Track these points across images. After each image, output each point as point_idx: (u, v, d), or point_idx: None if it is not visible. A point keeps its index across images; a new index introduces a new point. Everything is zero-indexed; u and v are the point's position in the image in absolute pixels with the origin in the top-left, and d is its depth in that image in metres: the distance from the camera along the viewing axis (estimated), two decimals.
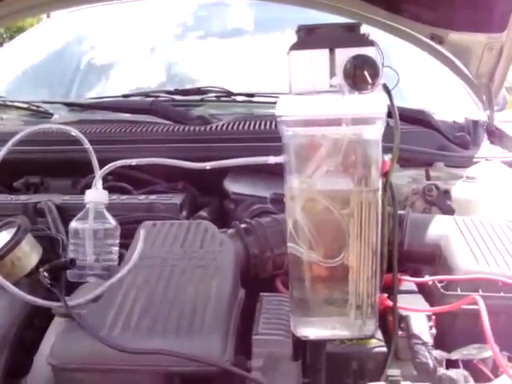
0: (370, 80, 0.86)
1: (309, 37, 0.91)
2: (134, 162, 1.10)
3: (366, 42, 0.88)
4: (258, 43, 2.27)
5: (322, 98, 0.89)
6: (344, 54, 0.87)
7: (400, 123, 1.67)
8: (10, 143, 1.13)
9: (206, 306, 0.99)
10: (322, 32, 0.91)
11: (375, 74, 0.86)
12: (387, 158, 0.93)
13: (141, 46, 2.37)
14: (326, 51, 0.89)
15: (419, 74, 2.16)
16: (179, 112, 1.76)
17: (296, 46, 0.90)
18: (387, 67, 0.89)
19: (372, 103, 0.87)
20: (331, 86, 0.89)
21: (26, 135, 1.17)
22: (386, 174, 0.93)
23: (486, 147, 1.83)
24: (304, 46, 0.90)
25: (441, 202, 1.41)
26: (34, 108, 1.94)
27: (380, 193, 0.92)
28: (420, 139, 1.68)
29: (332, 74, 0.89)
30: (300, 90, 0.90)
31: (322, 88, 0.89)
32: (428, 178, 1.54)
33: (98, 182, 1.15)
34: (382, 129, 0.88)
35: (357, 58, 0.86)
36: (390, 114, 0.91)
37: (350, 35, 0.90)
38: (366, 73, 0.85)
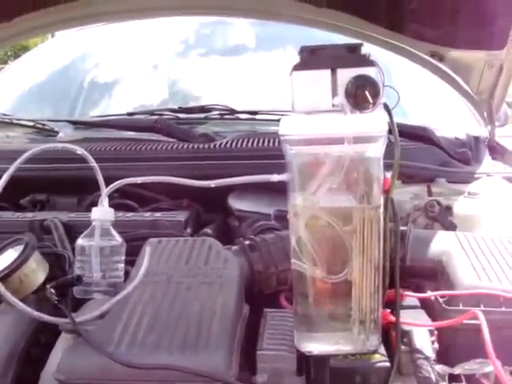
0: (371, 100, 0.87)
1: (311, 57, 0.92)
2: (139, 180, 1.12)
3: (367, 62, 0.90)
4: (260, 61, 2.30)
5: (325, 117, 0.90)
6: (346, 74, 0.89)
7: (402, 140, 1.68)
8: (17, 162, 1.15)
9: (212, 321, 1.00)
10: (324, 53, 0.92)
11: (376, 94, 0.88)
12: (388, 175, 0.94)
13: (144, 64, 2.40)
14: (328, 71, 0.90)
15: (420, 91, 2.18)
16: (183, 130, 1.78)
17: (299, 67, 0.92)
18: (388, 87, 0.91)
19: (373, 122, 0.89)
20: (333, 105, 0.90)
21: (32, 155, 1.18)
22: (387, 191, 0.94)
23: (487, 163, 1.85)
24: (306, 66, 0.91)
25: (443, 218, 1.42)
26: (40, 126, 1.97)
27: (382, 209, 0.93)
28: (422, 155, 1.70)
29: (334, 93, 0.90)
30: (303, 109, 0.92)
31: (324, 107, 0.91)
32: (430, 194, 1.55)
33: (104, 200, 1.16)
34: (383, 147, 0.89)
35: (358, 78, 0.88)
36: (391, 132, 0.93)
37: (351, 56, 0.92)
38: (367, 93, 0.87)
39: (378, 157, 0.90)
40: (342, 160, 0.87)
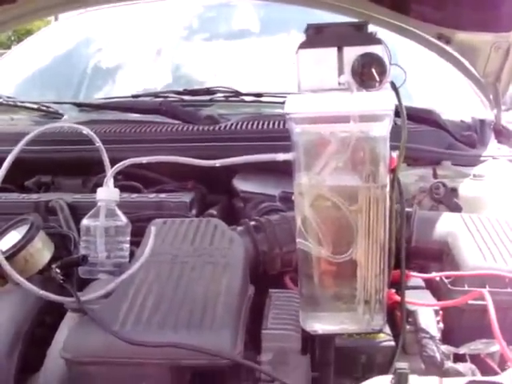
0: (377, 78, 0.87)
1: (317, 36, 0.92)
2: (144, 160, 1.11)
3: (373, 40, 0.90)
4: (264, 44, 2.29)
5: (331, 95, 0.90)
6: (352, 53, 0.89)
7: (407, 122, 1.69)
8: (22, 142, 1.15)
9: (217, 301, 1.00)
10: (330, 31, 0.92)
11: (383, 72, 0.87)
12: (395, 154, 0.94)
13: (148, 47, 2.39)
14: (335, 49, 0.90)
15: (426, 74, 2.16)
16: (188, 112, 1.77)
17: (305, 45, 0.91)
18: (394, 65, 0.90)
19: (379, 100, 0.88)
20: (339, 83, 0.90)
21: (38, 134, 1.18)
22: (393, 171, 0.94)
23: (493, 146, 1.84)
24: (312, 44, 0.91)
25: (448, 200, 1.42)
26: (44, 108, 1.96)
27: (388, 189, 0.93)
28: (427, 138, 1.69)
29: (340, 71, 0.90)
30: (309, 87, 0.91)
31: (330, 86, 0.90)
32: (435, 176, 1.55)
33: (109, 181, 1.16)
34: (389, 126, 0.89)
35: (364, 56, 0.87)
36: (397, 113, 0.93)
37: (357, 34, 0.91)
38: (373, 70, 0.87)
39: (385, 135, 0.90)
40: (348, 139, 0.87)
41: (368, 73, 0.87)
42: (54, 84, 2.39)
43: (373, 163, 0.91)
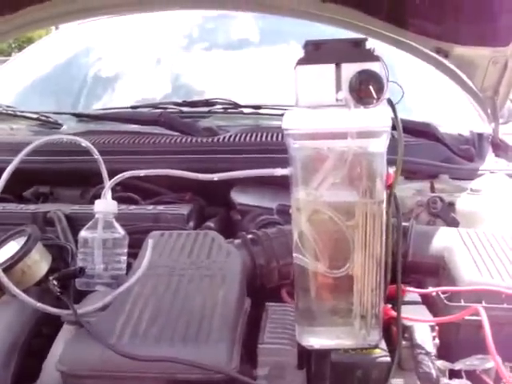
0: (375, 95, 0.87)
1: (315, 52, 0.92)
2: (143, 173, 1.12)
3: (371, 57, 0.90)
4: (263, 55, 2.30)
5: (328, 111, 0.90)
6: (350, 69, 0.89)
7: (405, 136, 1.68)
8: (21, 154, 1.15)
9: (213, 314, 1.00)
10: (329, 47, 0.92)
11: (380, 89, 0.87)
12: (391, 170, 0.94)
13: (148, 57, 2.40)
14: (333, 66, 0.90)
15: (425, 87, 2.17)
16: (187, 123, 1.78)
17: (303, 61, 0.91)
18: (392, 82, 0.91)
19: (377, 117, 0.89)
20: (337, 100, 0.90)
21: (37, 146, 1.19)
22: (390, 186, 0.94)
23: (490, 160, 1.85)
24: (311, 60, 0.91)
25: (445, 214, 1.43)
26: (44, 118, 1.96)
27: (384, 204, 0.93)
28: (425, 151, 1.70)
29: (338, 88, 0.90)
30: (307, 103, 0.91)
31: (328, 102, 0.91)
32: (433, 190, 1.55)
33: (107, 193, 1.17)
34: (386, 142, 0.89)
35: (362, 72, 0.88)
36: (394, 127, 0.93)
37: (355, 50, 0.91)
38: (371, 87, 0.87)
39: (382, 152, 0.90)
40: (346, 155, 0.87)
41: (365, 90, 0.87)
42: (54, 93, 2.40)
43: (370, 179, 0.91)
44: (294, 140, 0.90)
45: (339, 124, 0.87)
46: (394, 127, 0.91)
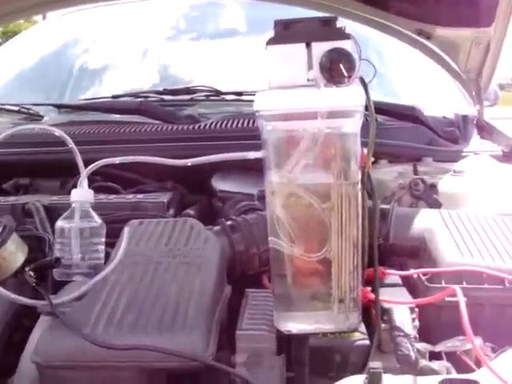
0: (346, 73, 0.86)
1: (286, 31, 0.91)
2: (117, 160, 1.10)
3: (342, 35, 0.89)
4: (247, 43, 2.28)
5: (300, 91, 0.89)
6: (320, 48, 0.88)
7: (389, 119, 1.69)
8: None
9: (189, 302, 0.99)
10: (299, 26, 0.91)
11: (351, 68, 0.86)
12: (366, 150, 0.93)
13: (133, 47, 2.38)
14: (303, 45, 0.89)
15: (409, 70, 2.16)
16: (168, 112, 1.76)
17: (273, 41, 0.90)
18: (364, 60, 0.89)
19: (349, 96, 0.87)
20: (308, 79, 0.89)
21: (7, 137, 1.16)
22: (363, 167, 0.93)
23: (475, 142, 1.84)
24: (281, 40, 0.90)
25: (427, 197, 1.41)
26: (25, 111, 1.95)
27: (360, 186, 0.92)
28: (409, 134, 1.69)
29: (309, 67, 0.89)
30: (278, 84, 0.90)
31: (299, 82, 0.89)
32: (416, 172, 1.54)
33: (83, 181, 1.15)
34: (360, 122, 0.88)
35: (332, 51, 0.86)
36: (377, 110, 0.92)
37: (326, 29, 0.90)
38: (341, 66, 0.86)
39: (355, 132, 0.89)
40: (317, 135, 0.86)
41: (336, 68, 0.86)
42: (38, 85, 2.37)
43: (344, 160, 0.90)
44: (265, 122, 0.89)
45: (310, 104, 0.85)
46: (376, 111, 0.90)
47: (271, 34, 0.92)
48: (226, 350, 1.01)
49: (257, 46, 2.11)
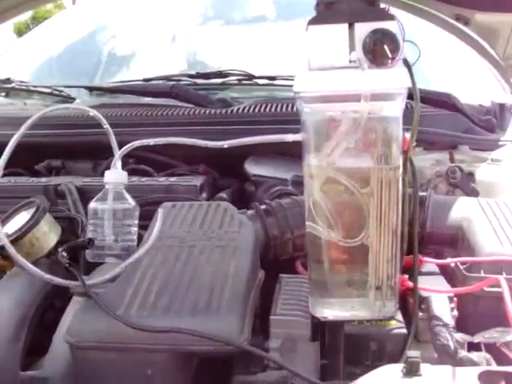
0: (390, 55, 0.84)
1: (328, 11, 0.89)
2: (152, 141, 1.09)
3: (386, 16, 0.86)
4: (279, 28, 2.25)
5: (341, 73, 0.87)
6: (363, 29, 0.86)
7: (425, 106, 1.65)
8: (25, 125, 1.12)
9: (224, 286, 0.98)
10: (341, 6, 0.89)
11: (395, 49, 0.84)
12: (407, 135, 0.91)
13: (163, 32, 2.37)
14: (346, 26, 0.87)
15: (445, 57, 2.12)
16: (200, 95, 1.75)
17: (315, 21, 0.88)
18: (408, 42, 0.87)
19: (392, 79, 0.85)
20: (350, 61, 0.87)
21: (42, 116, 1.16)
22: (406, 152, 0.91)
23: None
24: (323, 20, 0.88)
25: (464, 185, 1.39)
26: (57, 93, 1.94)
27: (400, 171, 0.90)
28: (445, 122, 1.66)
29: (351, 48, 0.87)
30: (319, 65, 0.88)
31: (341, 63, 0.88)
32: (452, 160, 1.51)
33: (117, 163, 1.14)
34: (402, 105, 0.86)
35: (376, 32, 0.85)
36: (411, 95, 0.89)
37: (369, 9, 0.88)
38: (385, 47, 0.84)
39: (397, 115, 0.87)
40: (359, 118, 0.84)
41: (380, 50, 0.84)
42: (69, 69, 2.37)
43: (385, 144, 0.88)
44: (305, 104, 0.87)
45: (352, 86, 0.83)
46: (411, 96, 0.87)
47: (301, 19, 0.90)
48: (259, 335, 1.00)
49: (287, 31, 2.15)
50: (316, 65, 0.88)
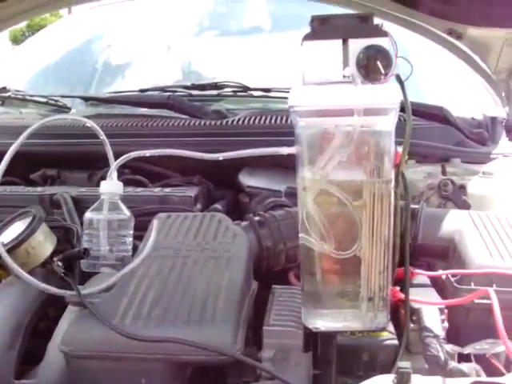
0: (382, 70, 0.85)
1: (322, 27, 0.90)
2: (147, 153, 1.10)
3: (379, 32, 0.88)
4: (274, 40, 2.27)
5: (335, 88, 0.88)
6: (357, 45, 0.87)
7: (417, 119, 1.67)
8: (24, 134, 1.14)
9: (218, 296, 0.99)
10: (336, 22, 0.90)
11: (388, 65, 0.86)
12: (400, 149, 0.92)
13: (159, 43, 2.38)
14: (340, 41, 0.89)
15: (437, 70, 2.14)
16: (196, 106, 1.76)
17: (310, 37, 0.90)
18: (401, 58, 0.89)
19: (385, 94, 0.87)
20: (344, 76, 0.89)
21: (41, 126, 1.17)
22: (398, 165, 0.92)
23: (504, 144, 1.82)
24: (317, 36, 0.90)
25: (456, 197, 1.40)
26: (53, 102, 1.95)
27: (392, 184, 0.92)
28: (437, 135, 1.67)
29: (345, 64, 0.89)
30: (313, 80, 0.90)
31: (335, 78, 0.89)
32: (444, 173, 1.53)
33: (112, 174, 1.15)
34: (395, 119, 0.87)
35: (370, 48, 0.86)
36: (403, 109, 0.91)
37: (363, 26, 0.90)
38: (378, 63, 0.85)
39: (390, 130, 0.88)
40: (352, 132, 0.85)
41: (373, 65, 0.86)
42: (65, 78, 2.38)
43: (377, 158, 0.90)
44: (299, 117, 0.88)
45: (346, 101, 0.85)
46: (402, 109, 0.89)
47: (296, 31, 0.92)
48: (253, 345, 1.01)
49: (282, 43, 2.16)
50: (310, 79, 0.90)
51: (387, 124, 0.88)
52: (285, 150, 0.96)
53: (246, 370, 0.97)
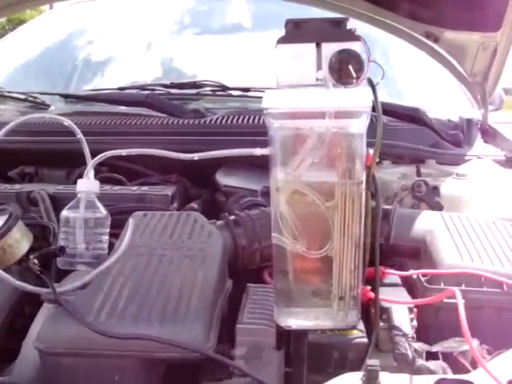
0: (354, 74, 0.87)
1: (296, 31, 0.92)
2: (124, 152, 1.11)
3: (352, 36, 0.90)
4: (254, 39, 2.28)
5: (308, 91, 0.90)
6: (330, 49, 0.89)
7: (393, 120, 1.69)
8: (6, 128, 1.14)
9: (192, 294, 1.00)
10: (310, 26, 0.92)
11: (360, 69, 0.87)
12: (371, 151, 0.94)
13: (139, 40, 2.38)
14: (313, 45, 0.90)
15: (415, 72, 2.17)
16: (174, 105, 1.77)
17: (284, 40, 0.91)
18: (373, 62, 0.90)
19: (357, 97, 0.89)
20: (317, 79, 0.90)
21: (18, 124, 1.18)
22: (369, 167, 0.94)
23: (479, 146, 1.84)
24: (291, 39, 0.91)
25: (429, 199, 1.43)
26: (31, 99, 1.95)
27: (364, 185, 0.93)
28: (413, 136, 1.69)
29: (318, 67, 0.90)
30: (287, 83, 0.92)
31: (308, 81, 0.91)
32: (419, 174, 1.55)
33: (89, 172, 1.16)
34: (366, 122, 0.89)
35: (342, 52, 0.88)
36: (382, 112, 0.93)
37: (336, 30, 0.91)
38: (350, 67, 0.87)
39: (361, 132, 0.90)
40: (324, 135, 0.87)
41: (345, 69, 0.87)
42: (44, 75, 2.38)
43: (349, 160, 0.92)
44: (273, 119, 0.90)
45: (318, 103, 0.87)
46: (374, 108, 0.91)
47: (277, 30, 0.93)
48: (226, 343, 1.02)
49: (262, 42, 2.17)
50: (284, 82, 0.92)
51: (359, 127, 0.89)
52: (258, 151, 0.97)
53: (219, 367, 0.98)
